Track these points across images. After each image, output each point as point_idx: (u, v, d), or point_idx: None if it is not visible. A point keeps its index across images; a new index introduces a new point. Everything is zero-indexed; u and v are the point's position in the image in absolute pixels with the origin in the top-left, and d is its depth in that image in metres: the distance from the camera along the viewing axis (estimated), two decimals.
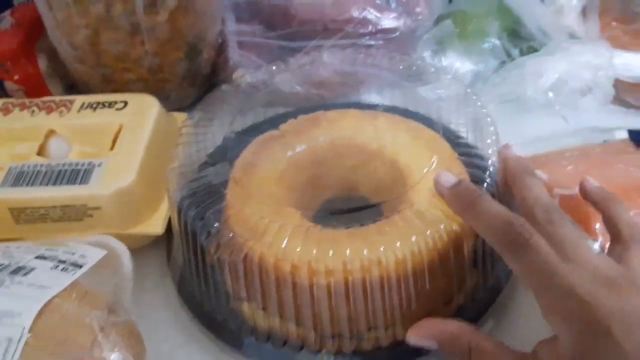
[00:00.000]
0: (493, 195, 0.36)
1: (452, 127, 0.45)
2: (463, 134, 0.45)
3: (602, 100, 0.49)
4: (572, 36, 0.52)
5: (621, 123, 0.49)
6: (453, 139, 0.44)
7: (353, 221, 0.37)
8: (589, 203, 0.38)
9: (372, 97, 0.52)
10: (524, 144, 0.46)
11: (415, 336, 0.35)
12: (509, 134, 0.44)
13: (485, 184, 0.38)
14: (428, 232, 0.35)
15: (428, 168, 0.41)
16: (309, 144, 0.45)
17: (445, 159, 0.42)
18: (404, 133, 0.45)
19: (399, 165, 0.43)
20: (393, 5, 0.50)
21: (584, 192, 0.38)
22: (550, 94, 0.47)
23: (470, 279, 0.39)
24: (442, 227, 0.36)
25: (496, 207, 0.32)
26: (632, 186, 0.42)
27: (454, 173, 0.37)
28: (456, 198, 0.35)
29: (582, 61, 0.47)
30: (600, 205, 0.36)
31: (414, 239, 0.35)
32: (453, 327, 0.34)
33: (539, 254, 0.30)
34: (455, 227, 0.36)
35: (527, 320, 0.39)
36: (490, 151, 0.40)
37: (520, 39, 0.51)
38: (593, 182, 0.38)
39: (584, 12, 0.56)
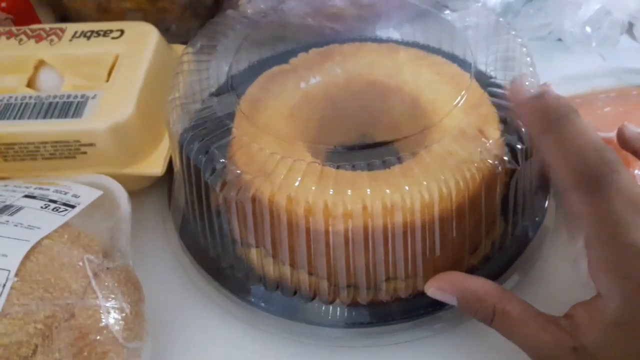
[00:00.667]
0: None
1: (482, 62, 0.41)
2: (493, 72, 0.41)
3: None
4: None
5: None
6: (482, 78, 0.40)
7: (372, 159, 0.34)
8: (629, 151, 0.35)
9: (391, 33, 0.48)
10: (557, 83, 0.42)
11: (436, 289, 0.32)
12: (541, 73, 0.40)
13: (518, 134, 0.34)
14: (458, 173, 0.32)
15: (456, 103, 0.37)
16: (322, 78, 0.41)
17: (474, 98, 0.38)
18: (427, 69, 0.41)
19: (420, 102, 0.39)
20: None
21: (622, 140, 0.34)
22: (588, 29, 0.43)
23: (499, 226, 0.36)
24: (474, 167, 0.32)
25: (590, 134, 0.27)
26: None
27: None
28: (540, 112, 0.29)
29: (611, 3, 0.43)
30: None
31: (442, 178, 0.32)
32: (478, 285, 0.31)
33: (617, 202, 0.25)
34: (486, 168, 0.33)
35: (555, 277, 0.36)
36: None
37: None
38: (632, 128, 0.34)
39: None
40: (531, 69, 0.37)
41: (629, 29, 0.45)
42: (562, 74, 0.43)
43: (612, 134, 0.36)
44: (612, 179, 0.26)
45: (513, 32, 0.41)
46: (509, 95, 0.32)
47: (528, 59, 0.37)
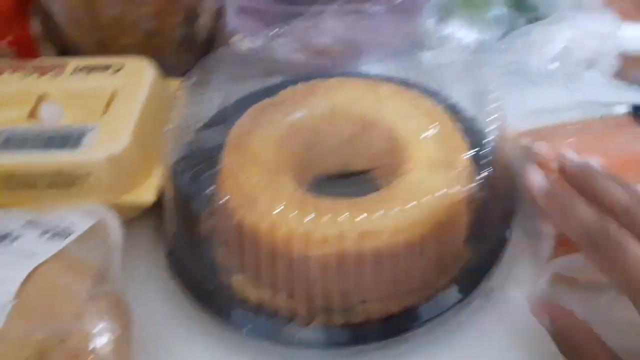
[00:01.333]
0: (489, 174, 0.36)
1: (454, 98, 0.44)
2: (464, 106, 0.43)
3: (607, 71, 0.47)
4: (577, 6, 0.50)
5: (622, 98, 0.47)
6: (454, 112, 0.43)
7: (350, 190, 0.36)
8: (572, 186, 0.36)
9: (374, 67, 0.51)
10: (526, 115, 0.45)
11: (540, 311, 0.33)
12: (512, 106, 0.42)
13: (484, 161, 0.37)
14: (427, 201, 0.34)
15: (429, 135, 0.39)
16: (307, 111, 0.44)
17: (446, 131, 0.40)
18: (405, 102, 0.43)
19: (398, 134, 0.41)
20: None
21: (563, 173, 0.36)
22: (555, 65, 0.45)
23: (466, 251, 0.38)
24: (442, 195, 0.34)
25: (588, 214, 0.31)
26: (627, 160, 0.41)
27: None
28: (552, 202, 0.34)
29: (589, 30, 0.46)
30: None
31: (411, 208, 0.34)
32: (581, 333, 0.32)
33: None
34: (454, 196, 0.35)
35: (516, 301, 0.38)
36: (491, 127, 0.39)
37: (525, 9, 0.49)
38: (574, 159, 0.36)
39: None
40: (498, 104, 0.39)
41: (592, 64, 0.48)
42: (532, 107, 0.46)
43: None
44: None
45: (484, 69, 0.44)
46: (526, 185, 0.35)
47: (495, 94, 0.39)
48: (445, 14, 0.49)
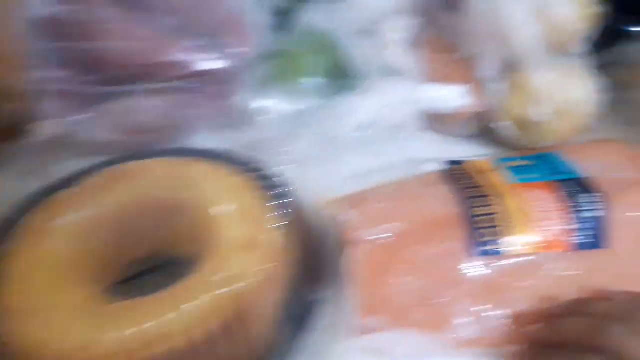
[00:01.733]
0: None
1: (272, 169, 0.43)
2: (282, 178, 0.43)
3: (412, 134, 0.49)
4: (395, 72, 0.52)
5: (436, 153, 0.49)
6: (269, 185, 0.42)
7: (148, 286, 0.34)
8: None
9: (197, 140, 0.49)
10: (342, 181, 0.45)
11: None
12: (327, 174, 0.42)
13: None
14: (222, 291, 0.33)
15: (231, 214, 0.38)
16: (110, 201, 0.41)
17: (254, 208, 0.40)
18: (214, 182, 0.42)
19: (203, 217, 0.40)
20: (211, 46, 0.48)
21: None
22: (364, 132, 0.46)
23: (277, 334, 0.37)
24: (240, 279, 0.34)
25: None
26: (431, 221, 0.42)
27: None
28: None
29: (391, 98, 0.47)
30: None
31: (206, 300, 0.33)
32: None
33: None
34: (255, 280, 0.34)
35: None
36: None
37: (344, 78, 0.50)
38: None
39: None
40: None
41: (401, 127, 0.49)
42: (349, 173, 0.46)
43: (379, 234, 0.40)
44: None
45: (300, 140, 0.43)
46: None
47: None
48: (262, 86, 0.48)
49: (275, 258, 0.37)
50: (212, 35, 0.48)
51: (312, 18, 0.56)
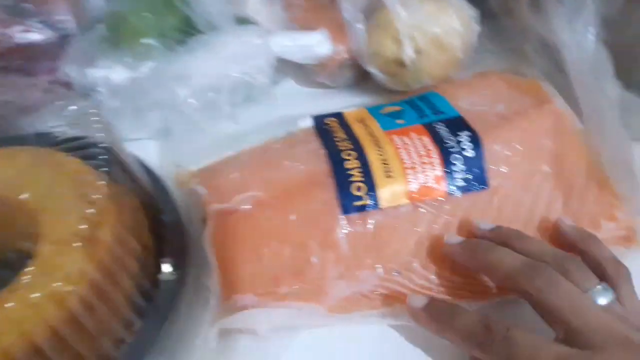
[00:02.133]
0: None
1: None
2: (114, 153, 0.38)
3: (266, 87, 0.44)
4: (248, 22, 0.46)
5: (311, 109, 0.44)
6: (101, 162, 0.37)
7: None
8: (568, 243, 0.37)
9: (27, 123, 0.43)
10: (201, 153, 0.40)
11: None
12: (185, 146, 0.38)
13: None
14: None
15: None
16: None
17: (84, 191, 0.34)
18: (48, 172, 0.37)
19: (38, 213, 0.35)
20: (29, 17, 0.41)
21: (562, 234, 0.38)
22: (211, 94, 0.41)
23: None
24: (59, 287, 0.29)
25: (470, 317, 0.32)
26: (295, 184, 0.37)
27: None
28: (431, 317, 0.34)
29: (232, 53, 0.41)
30: (580, 245, 0.36)
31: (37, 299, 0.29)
32: None
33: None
34: (83, 284, 0.29)
35: None
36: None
37: (189, 36, 0.44)
38: (567, 222, 0.38)
39: None
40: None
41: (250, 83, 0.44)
42: (209, 142, 0.41)
43: (232, 205, 0.36)
44: (502, 336, 0.31)
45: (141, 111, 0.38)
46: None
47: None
48: (96, 53, 0.42)
49: (111, 248, 0.32)
50: (28, 4, 0.42)
51: None
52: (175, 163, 0.41)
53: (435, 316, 0.34)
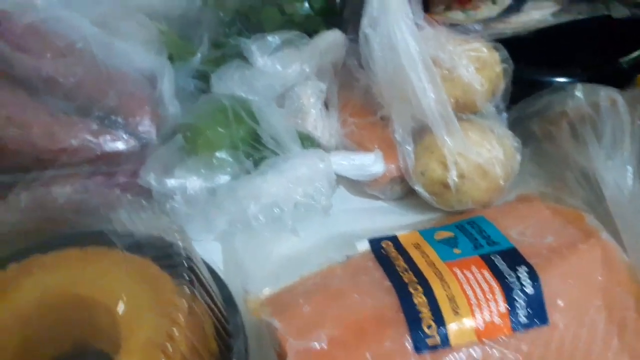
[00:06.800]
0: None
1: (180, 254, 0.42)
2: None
3: (327, 208, 0.47)
4: (308, 139, 0.51)
5: (364, 223, 0.47)
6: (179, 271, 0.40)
7: None
8: None
9: (109, 224, 0.48)
10: (266, 266, 0.43)
11: None
12: (250, 259, 0.41)
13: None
14: None
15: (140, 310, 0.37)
16: (18, 300, 0.39)
17: (165, 296, 0.38)
18: (127, 275, 0.40)
19: (119, 313, 0.38)
20: (116, 126, 0.46)
21: None
22: (276, 211, 0.45)
23: None
24: None
25: None
26: (365, 319, 0.39)
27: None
28: None
29: (298, 176, 0.46)
30: None
31: None
32: None
33: None
34: None
35: None
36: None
37: (256, 150, 0.49)
38: None
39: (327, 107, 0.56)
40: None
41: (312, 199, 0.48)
42: (272, 257, 0.45)
43: (311, 344, 0.37)
44: None
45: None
46: None
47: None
48: (170, 164, 0.47)
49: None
50: (116, 114, 0.47)
51: (223, 85, 0.55)
52: (243, 286, 0.43)
53: None
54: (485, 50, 0.49)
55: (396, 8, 0.44)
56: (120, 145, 0.46)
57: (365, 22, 0.46)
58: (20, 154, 0.46)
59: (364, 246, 0.45)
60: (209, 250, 0.46)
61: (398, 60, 0.45)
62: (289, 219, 0.45)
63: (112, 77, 0.49)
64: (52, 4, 0.52)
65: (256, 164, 0.48)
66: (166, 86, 0.51)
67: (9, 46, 0.48)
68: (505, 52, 0.50)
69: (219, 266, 0.44)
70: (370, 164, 0.49)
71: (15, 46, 0.48)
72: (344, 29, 0.60)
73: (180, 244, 0.42)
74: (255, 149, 0.49)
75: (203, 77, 0.60)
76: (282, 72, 0.54)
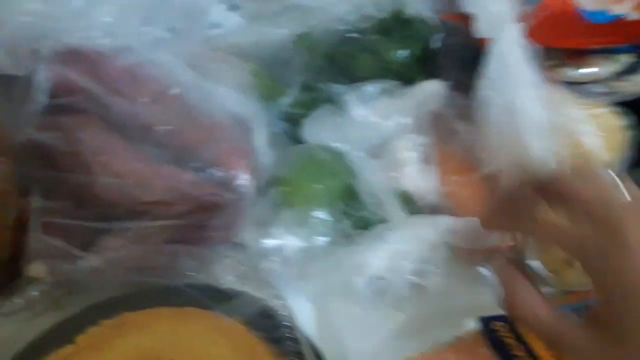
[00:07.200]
0: None
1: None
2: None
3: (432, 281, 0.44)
4: (411, 202, 0.48)
5: (470, 299, 0.44)
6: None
7: None
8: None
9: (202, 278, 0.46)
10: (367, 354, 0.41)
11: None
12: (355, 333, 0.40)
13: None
14: None
15: None
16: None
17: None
18: (220, 340, 0.39)
19: None
20: (213, 178, 0.45)
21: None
22: (381, 283, 0.42)
23: None
24: None
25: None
26: None
27: None
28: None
29: (407, 250, 0.43)
30: None
31: None
32: None
33: None
34: None
35: None
36: None
37: (354, 207, 0.46)
38: None
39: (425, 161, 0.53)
40: None
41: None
42: (380, 331, 0.42)
43: None
44: None
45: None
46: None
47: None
48: (266, 220, 0.45)
49: None
50: (214, 166, 0.45)
51: (315, 132, 0.53)
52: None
53: None
54: (610, 115, 0.45)
55: (517, 70, 0.41)
56: (217, 199, 0.44)
57: (484, 83, 0.43)
58: (113, 203, 0.45)
59: (471, 324, 0.42)
60: (302, 311, 0.43)
61: (518, 125, 0.41)
62: (394, 293, 0.42)
63: (209, 124, 0.48)
64: (146, 46, 0.51)
65: (355, 224, 0.45)
66: (262, 136, 0.49)
67: (106, 90, 0.47)
68: (631, 118, 0.46)
69: (311, 327, 0.42)
70: (477, 229, 0.45)
71: (112, 90, 0.47)
72: (438, 75, 0.57)
73: (282, 313, 0.40)
74: (352, 207, 0.46)
75: (291, 120, 0.58)
76: (379, 123, 0.52)
